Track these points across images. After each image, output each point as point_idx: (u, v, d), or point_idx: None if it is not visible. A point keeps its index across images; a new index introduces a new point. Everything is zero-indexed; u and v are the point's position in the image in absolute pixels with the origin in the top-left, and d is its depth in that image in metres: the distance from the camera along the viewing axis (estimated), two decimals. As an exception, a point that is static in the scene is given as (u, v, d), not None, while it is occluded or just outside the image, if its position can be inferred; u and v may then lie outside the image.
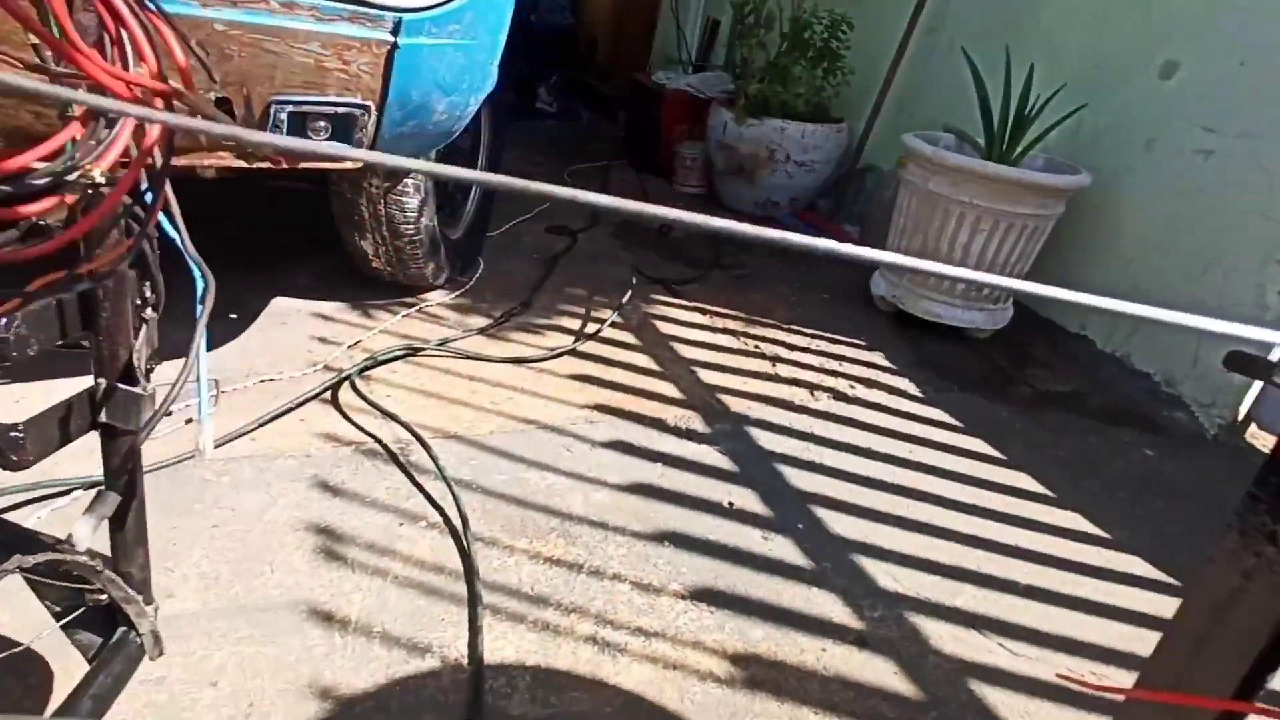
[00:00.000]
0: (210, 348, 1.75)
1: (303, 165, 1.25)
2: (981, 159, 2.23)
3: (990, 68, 2.30)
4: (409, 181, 1.81)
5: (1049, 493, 1.70)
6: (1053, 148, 2.39)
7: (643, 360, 1.99)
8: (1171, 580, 1.48)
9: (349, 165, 1.29)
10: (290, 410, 1.56)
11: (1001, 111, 2.21)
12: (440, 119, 1.35)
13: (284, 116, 1.15)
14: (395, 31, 1.15)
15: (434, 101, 1.29)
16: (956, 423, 1.92)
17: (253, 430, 1.47)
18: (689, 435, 1.69)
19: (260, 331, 1.85)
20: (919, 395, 2.02)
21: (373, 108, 1.22)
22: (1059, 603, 1.39)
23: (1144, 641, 1.32)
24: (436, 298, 2.15)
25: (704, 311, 2.33)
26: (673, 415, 1.76)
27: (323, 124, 1.19)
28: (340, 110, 1.19)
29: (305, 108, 1.14)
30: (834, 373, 2.07)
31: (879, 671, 1.18)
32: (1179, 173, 2.12)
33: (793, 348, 2.18)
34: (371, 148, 1.29)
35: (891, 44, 2.98)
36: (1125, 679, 1.24)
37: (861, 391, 1.99)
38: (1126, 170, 2.24)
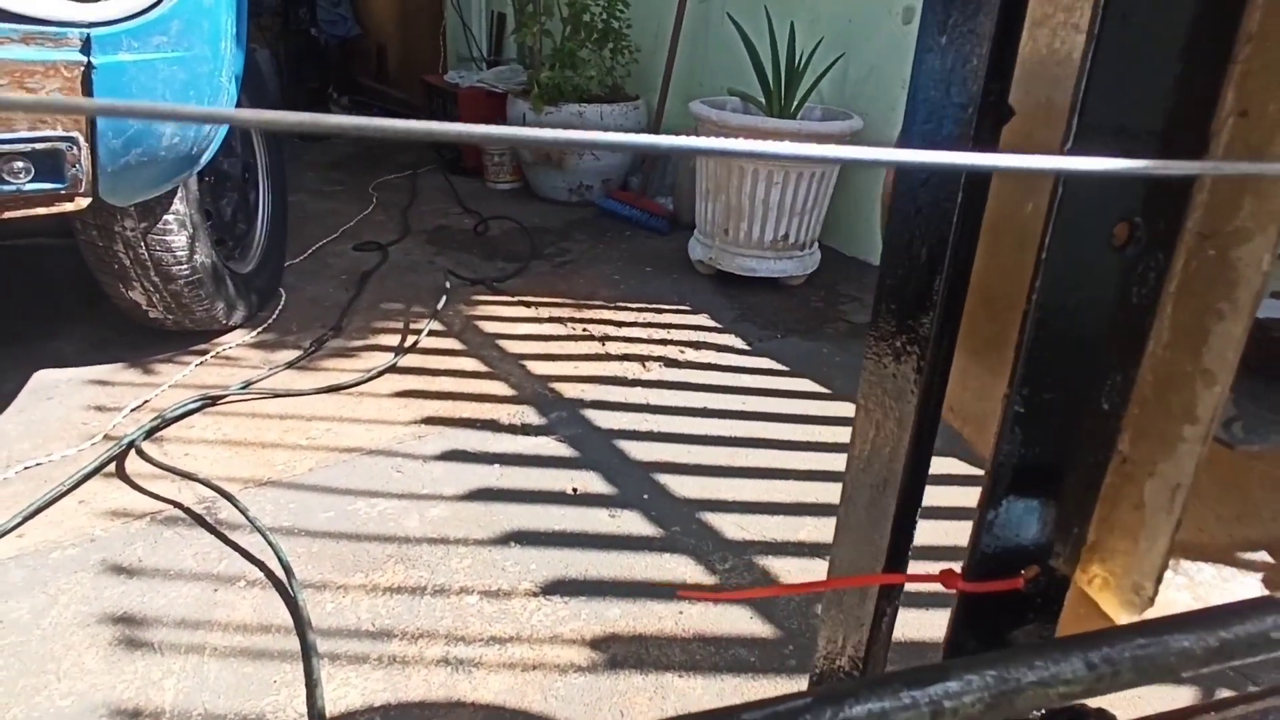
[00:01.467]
0: (-46, 443, 1.50)
1: (6, 215, 1.09)
2: (765, 116, 2.33)
3: (760, 30, 2.40)
4: (169, 218, 1.63)
5: (871, 416, 1.81)
6: (827, 98, 2.54)
7: (469, 364, 1.92)
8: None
9: (69, 208, 1.14)
10: (65, 493, 1.37)
11: (774, 70, 2.32)
12: (174, 143, 1.22)
13: (-33, 161, 0.99)
14: (86, 50, 1.01)
15: (158, 125, 1.16)
16: (783, 367, 2.01)
17: (17, 526, 1.28)
18: (524, 430, 1.66)
19: (19, 413, 1.62)
20: (745, 348, 2.09)
21: (81, 139, 1.07)
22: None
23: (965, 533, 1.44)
24: (235, 339, 1.97)
25: (528, 304, 2.29)
26: (506, 413, 1.71)
27: (21, 164, 1.04)
28: (40, 146, 1.04)
29: (-10, 148, 0.99)
30: (663, 341, 2.10)
31: (735, 620, 1.21)
32: (935, 105, 2.31)
33: (621, 324, 2.19)
34: (94, 182, 1.14)
35: (669, 17, 3.05)
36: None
37: (691, 354, 2.04)
38: (890, 109, 2.42)
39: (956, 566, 0.28)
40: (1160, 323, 0.21)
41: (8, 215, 1.08)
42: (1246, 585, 0.26)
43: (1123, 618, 0.25)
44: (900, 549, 0.29)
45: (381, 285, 2.36)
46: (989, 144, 0.23)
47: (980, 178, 0.23)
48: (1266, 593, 0.26)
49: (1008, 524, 0.25)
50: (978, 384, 0.32)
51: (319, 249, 2.61)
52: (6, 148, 1.02)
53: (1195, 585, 0.25)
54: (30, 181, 1.07)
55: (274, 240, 2.25)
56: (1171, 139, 0.20)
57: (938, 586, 0.28)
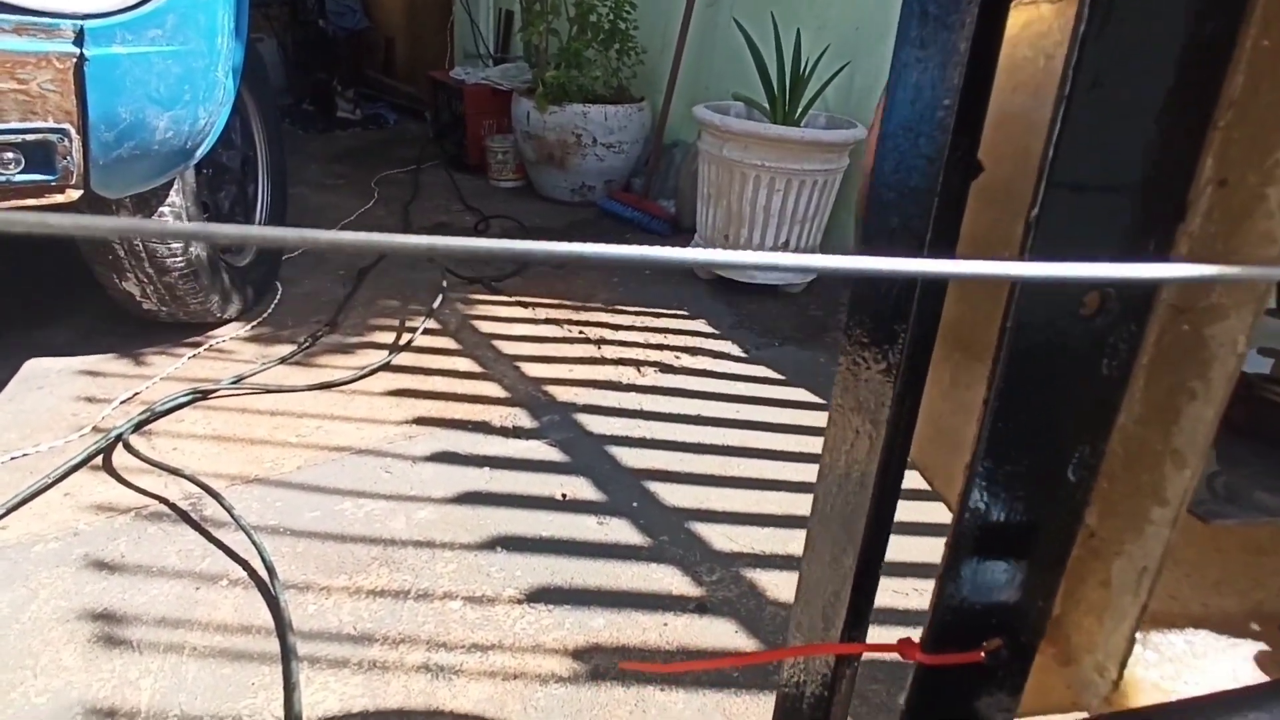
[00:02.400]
0: (-58, 431, 1.50)
1: (-5, 205, 1.08)
2: (768, 123, 2.32)
3: (766, 35, 2.39)
4: (165, 210, 1.63)
5: (866, 428, 1.80)
6: (832, 106, 2.52)
7: (464, 364, 1.91)
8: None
9: (60, 200, 1.13)
10: (50, 486, 1.36)
11: (779, 76, 2.31)
12: (167, 137, 1.21)
13: (-45, 151, 0.98)
14: (79, 42, 1.00)
15: (151, 118, 1.15)
16: (779, 376, 1.99)
17: (1, 517, 1.27)
18: (516, 433, 1.65)
19: (9, 401, 1.61)
20: (742, 355, 2.08)
21: (73, 131, 1.06)
22: (881, 530, 1.47)
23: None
24: (229, 332, 1.96)
25: (525, 305, 2.28)
26: (498, 415, 1.70)
27: (11, 155, 1.03)
28: (30, 138, 1.03)
29: (-22, 138, 0.98)
30: (659, 346, 2.09)
31: (720, 634, 1.20)
32: (940, 116, 2.30)
33: (618, 328, 2.18)
34: (85, 174, 1.13)
35: (676, 20, 3.03)
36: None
37: (687, 360, 2.02)
38: (897, 118, 2.41)
39: (915, 634, 0.27)
40: (1132, 396, 0.20)
41: (-3, 206, 1.07)
42: (1219, 662, 0.25)
43: (1086, 698, 0.24)
44: (860, 612, 0.28)
45: (379, 281, 2.35)
46: (957, 199, 0.22)
47: (950, 223, 0.22)
48: (1238, 673, 0.25)
49: (969, 594, 0.24)
50: (950, 432, 0.30)
51: (318, 243, 2.60)
52: (-4, 138, 1.01)
53: (1165, 661, 0.24)
54: (20, 173, 1.06)
55: (272, 233, 2.23)
56: (1147, 204, 0.19)
57: (890, 654, 0.26)
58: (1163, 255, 0.19)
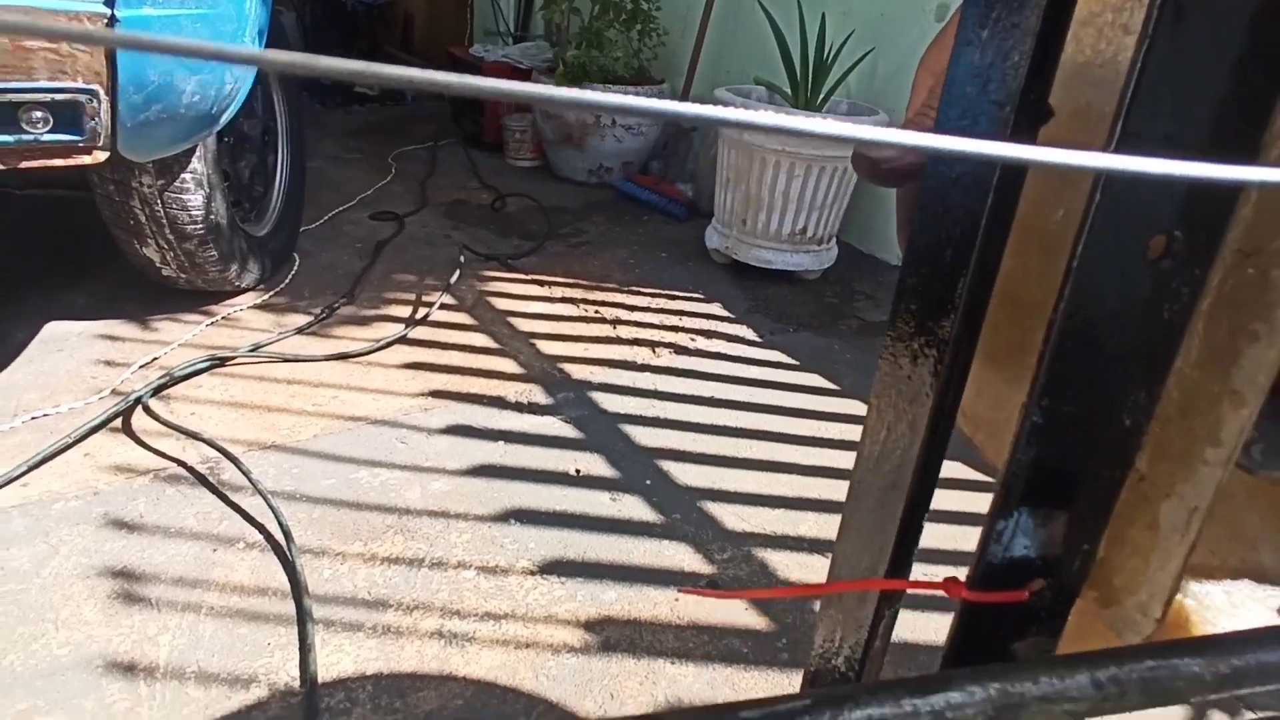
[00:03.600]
0: (-35, 389, 1.52)
1: (24, 165, 1.09)
2: (790, 107, 2.31)
3: (790, 20, 2.37)
4: (187, 176, 1.63)
5: (878, 415, 1.80)
6: (854, 93, 2.50)
7: (479, 340, 1.92)
8: (989, 479, 1.61)
9: (86, 161, 1.14)
10: (70, 446, 1.38)
11: (802, 61, 2.29)
12: (194, 101, 1.21)
13: (-15, 108, 0.99)
14: (110, 2, 1.01)
15: (179, 82, 1.15)
16: (793, 361, 2.00)
17: (22, 475, 1.29)
18: (531, 409, 1.66)
19: (29, 363, 1.63)
20: (756, 339, 2.08)
21: (102, 92, 1.07)
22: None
23: (968, 538, 1.43)
24: (247, 301, 1.97)
25: (541, 283, 2.28)
26: (513, 391, 1.71)
27: (40, 114, 1.04)
28: (60, 97, 1.04)
29: (10, 96, 0.98)
30: (674, 328, 2.09)
31: (730, 611, 1.21)
32: (963, 105, 2.28)
33: (633, 308, 2.18)
34: (112, 136, 1.14)
35: (699, 1, 3.01)
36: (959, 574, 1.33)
37: (702, 343, 2.03)
38: (919, 106, 2.39)
39: (959, 573, 0.27)
40: (1190, 340, 0.21)
41: (25, 165, 1.08)
42: (1256, 612, 0.25)
43: (1127, 637, 0.24)
44: (904, 554, 0.28)
45: (396, 256, 2.36)
46: (1026, 145, 0.22)
47: (1013, 179, 0.23)
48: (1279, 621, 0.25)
49: (1017, 535, 0.25)
50: (994, 391, 0.31)
51: (335, 216, 2.61)
52: (26, 97, 1.01)
53: (1204, 609, 0.25)
54: (48, 132, 1.07)
55: (290, 204, 2.24)
56: (1220, 150, 0.19)
57: (936, 591, 0.27)
58: (1231, 203, 0.20)
